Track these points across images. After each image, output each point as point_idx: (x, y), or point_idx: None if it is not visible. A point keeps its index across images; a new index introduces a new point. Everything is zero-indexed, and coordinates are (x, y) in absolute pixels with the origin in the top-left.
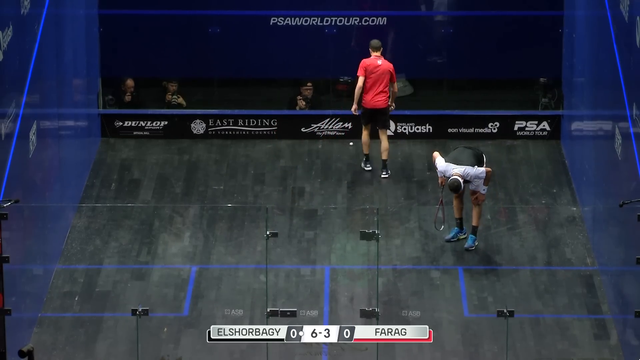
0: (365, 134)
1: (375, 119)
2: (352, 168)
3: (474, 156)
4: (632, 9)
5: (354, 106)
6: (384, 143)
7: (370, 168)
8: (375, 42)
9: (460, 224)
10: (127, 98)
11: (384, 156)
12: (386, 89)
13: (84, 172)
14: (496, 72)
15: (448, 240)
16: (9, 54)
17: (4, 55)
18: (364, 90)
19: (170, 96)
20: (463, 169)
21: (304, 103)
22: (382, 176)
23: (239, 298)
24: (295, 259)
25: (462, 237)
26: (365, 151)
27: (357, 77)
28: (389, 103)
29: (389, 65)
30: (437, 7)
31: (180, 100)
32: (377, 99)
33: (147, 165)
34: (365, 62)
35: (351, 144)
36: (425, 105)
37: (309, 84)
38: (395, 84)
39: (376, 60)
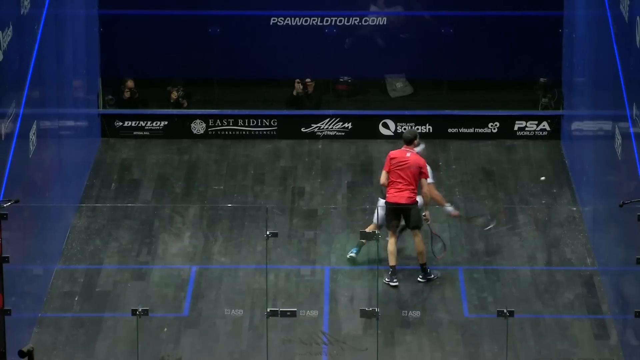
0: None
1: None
2: (352, 168)
3: None
4: (632, 9)
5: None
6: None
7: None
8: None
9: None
10: (126, 94)
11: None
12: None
13: (84, 172)
14: (496, 72)
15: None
16: (9, 54)
17: (4, 55)
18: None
19: (175, 94)
20: None
21: (301, 87)
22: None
23: (239, 298)
24: (295, 259)
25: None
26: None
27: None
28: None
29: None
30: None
31: (184, 100)
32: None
33: (147, 165)
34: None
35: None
36: (425, 105)
37: (308, 80)
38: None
39: (405, 152)
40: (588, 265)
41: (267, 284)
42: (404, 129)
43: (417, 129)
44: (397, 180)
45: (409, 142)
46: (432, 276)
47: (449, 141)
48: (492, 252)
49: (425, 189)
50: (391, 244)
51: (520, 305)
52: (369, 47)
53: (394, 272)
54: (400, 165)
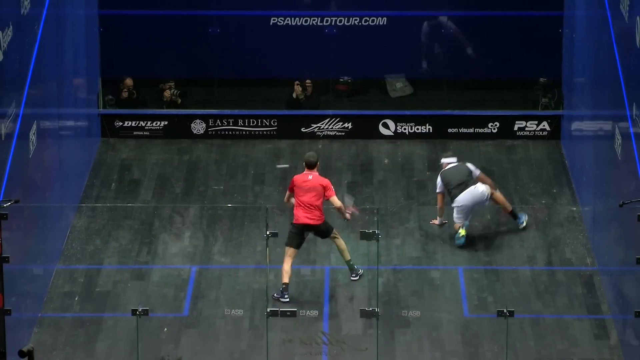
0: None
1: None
2: (352, 168)
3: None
4: (632, 9)
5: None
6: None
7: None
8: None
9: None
10: (124, 94)
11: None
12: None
13: (84, 172)
14: (496, 72)
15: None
16: (9, 54)
17: (4, 55)
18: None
19: (168, 92)
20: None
21: (300, 89)
22: (352, 278)
23: (239, 298)
24: (295, 259)
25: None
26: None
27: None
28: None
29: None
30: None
31: (177, 98)
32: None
33: (147, 165)
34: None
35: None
36: (425, 105)
37: (307, 80)
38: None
39: (307, 175)
40: (588, 265)
41: (267, 284)
42: (404, 129)
43: (417, 128)
44: (304, 203)
45: (312, 166)
46: (361, 273)
47: (449, 141)
48: (492, 252)
49: (337, 205)
50: (287, 263)
51: (520, 305)
52: (369, 47)
53: (286, 289)
54: (303, 189)
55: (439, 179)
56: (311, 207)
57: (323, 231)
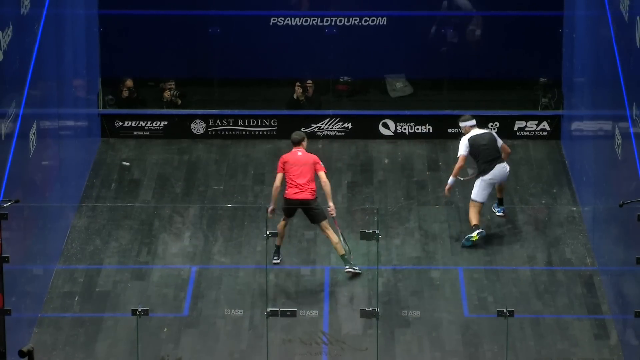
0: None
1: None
2: (352, 168)
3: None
4: (632, 9)
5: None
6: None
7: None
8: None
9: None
10: (125, 93)
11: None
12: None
13: (84, 172)
14: (496, 72)
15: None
16: (9, 54)
17: (4, 55)
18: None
19: (168, 93)
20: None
21: (300, 90)
22: (346, 270)
23: (239, 298)
24: (295, 259)
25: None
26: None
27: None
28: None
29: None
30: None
31: (177, 99)
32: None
33: (147, 165)
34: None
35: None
36: (425, 105)
37: (309, 81)
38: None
39: (296, 152)
40: (588, 265)
41: (267, 284)
42: (404, 129)
43: (417, 128)
44: (296, 180)
45: (298, 143)
46: (357, 268)
47: (449, 141)
48: (492, 252)
49: (324, 180)
50: (281, 225)
51: (520, 305)
52: (369, 47)
53: (277, 251)
54: (294, 165)
55: (466, 142)
56: (303, 183)
57: (313, 207)
